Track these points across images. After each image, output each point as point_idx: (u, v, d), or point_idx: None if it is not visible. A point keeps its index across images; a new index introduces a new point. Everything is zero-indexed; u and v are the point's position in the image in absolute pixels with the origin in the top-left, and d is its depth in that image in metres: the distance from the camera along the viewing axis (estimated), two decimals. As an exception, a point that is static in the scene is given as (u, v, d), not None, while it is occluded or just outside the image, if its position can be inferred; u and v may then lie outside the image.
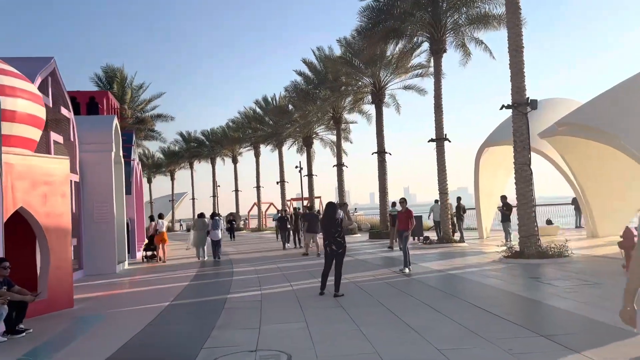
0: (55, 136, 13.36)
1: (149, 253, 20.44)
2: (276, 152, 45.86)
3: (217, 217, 19.98)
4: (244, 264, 16.88)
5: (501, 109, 14.59)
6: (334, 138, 39.67)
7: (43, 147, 12.43)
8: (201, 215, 20.04)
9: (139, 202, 24.91)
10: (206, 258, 19.10)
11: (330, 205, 9.69)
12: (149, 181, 76.60)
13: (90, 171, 16.03)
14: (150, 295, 11.31)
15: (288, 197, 46.76)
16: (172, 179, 73.82)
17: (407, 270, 12.32)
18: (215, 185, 62.24)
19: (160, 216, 21.81)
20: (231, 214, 29.86)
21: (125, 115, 29.59)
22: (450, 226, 20.28)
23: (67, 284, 10.01)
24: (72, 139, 14.95)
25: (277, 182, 45.29)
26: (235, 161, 56.86)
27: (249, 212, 56.60)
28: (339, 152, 32.14)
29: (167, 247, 21.55)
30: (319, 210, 26.39)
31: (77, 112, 17.78)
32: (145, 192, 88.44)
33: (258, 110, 45.90)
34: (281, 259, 17.52)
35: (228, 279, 13.49)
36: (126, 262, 17.94)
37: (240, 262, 17.64)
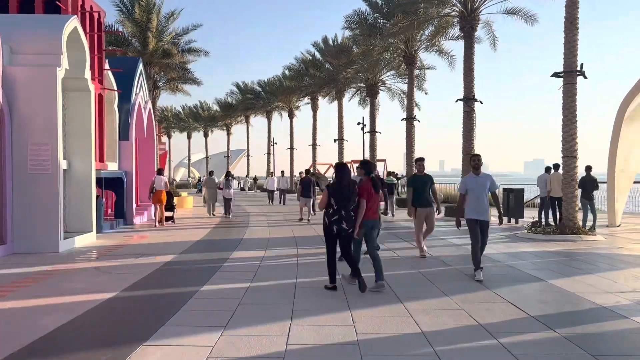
0: None
1: (167, 214, 16.89)
2: (335, 104, 39.45)
3: (230, 177, 20.67)
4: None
5: None
6: (403, 87, 32.67)
7: None
8: (211, 174, 22.10)
9: (147, 151, 19.44)
10: (215, 214, 20.03)
11: (342, 168, 7.22)
12: (206, 135, 72.59)
13: (22, 95, 10.41)
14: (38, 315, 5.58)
15: (347, 157, 40.46)
16: (228, 133, 69.29)
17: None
18: (270, 141, 56.87)
19: (160, 172, 16.28)
20: (313, 173, 24.35)
21: (148, 43, 24.11)
22: (576, 208, 13.33)
23: None
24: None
25: (335, 140, 38.99)
26: (291, 115, 50.93)
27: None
28: (409, 102, 25.26)
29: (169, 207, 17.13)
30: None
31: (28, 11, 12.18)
32: (198, 147, 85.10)
33: (317, 54, 39.29)
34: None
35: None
36: (92, 234, 12.46)
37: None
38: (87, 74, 12.12)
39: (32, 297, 6.75)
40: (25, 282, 7.66)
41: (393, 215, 19.10)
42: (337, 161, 32.61)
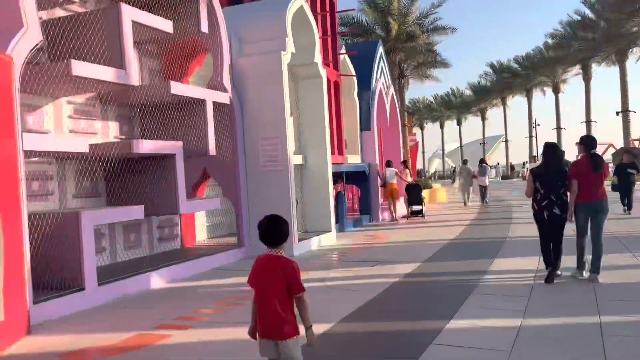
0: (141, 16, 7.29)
1: (415, 208, 15.54)
2: (615, 70, 32.34)
3: (484, 164, 19.84)
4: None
5: None
6: None
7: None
8: (465, 162, 20.98)
9: (392, 142, 17.94)
10: (469, 203, 19.22)
11: (550, 148, 6.57)
12: (459, 123, 69.43)
13: (250, 87, 9.69)
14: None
15: (635, 134, 32.87)
16: (483, 119, 65.02)
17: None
18: (531, 123, 50.81)
19: (388, 163, 14.51)
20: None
21: (391, 28, 22.73)
22: None
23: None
24: (209, 30, 8.77)
25: (618, 113, 31.99)
26: (556, 90, 44.47)
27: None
28: None
29: (399, 202, 15.61)
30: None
31: None
32: (453, 136, 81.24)
33: (587, 12, 32.82)
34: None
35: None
36: (331, 234, 11.29)
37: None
38: (317, 58, 10.97)
39: (223, 323, 5.47)
40: (232, 298, 6.55)
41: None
42: (618, 140, 26.56)
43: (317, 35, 10.92)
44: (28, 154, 6.17)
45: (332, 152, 12.30)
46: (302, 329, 3.05)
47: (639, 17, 24.12)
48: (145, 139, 8.82)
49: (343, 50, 14.14)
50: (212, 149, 8.64)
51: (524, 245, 9.19)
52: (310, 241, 10.29)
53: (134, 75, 7.04)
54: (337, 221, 12.84)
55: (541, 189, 6.44)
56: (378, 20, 23.59)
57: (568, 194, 6.42)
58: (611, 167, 18.55)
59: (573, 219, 6.41)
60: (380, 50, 16.74)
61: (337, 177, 13.77)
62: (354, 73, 14.53)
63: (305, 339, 3.02)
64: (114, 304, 6.39)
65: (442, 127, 73.60)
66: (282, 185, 9.54)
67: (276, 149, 9.55)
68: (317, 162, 11.27)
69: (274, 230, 3.10)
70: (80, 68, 6.27)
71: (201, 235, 10.82)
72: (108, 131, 8.45)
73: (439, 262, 8.21)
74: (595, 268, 6.29)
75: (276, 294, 3.00)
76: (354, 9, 14.82)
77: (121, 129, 8.74)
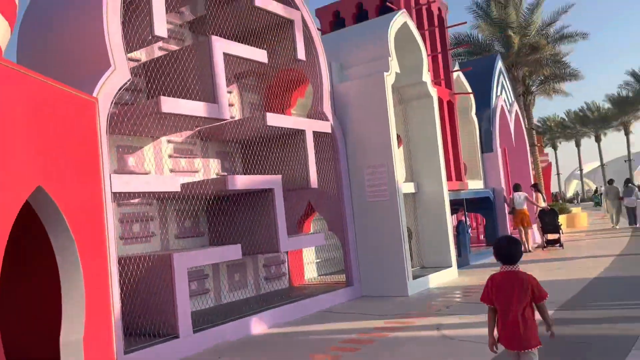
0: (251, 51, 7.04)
1: (551, 237, 13.57)
2: None
3: (630, 184, 18.85)
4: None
5: None
6: None
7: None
8: (610, 182, 20.00)
9: (520, 164, 16.18)
10: (618, 226, 18.07)
11: None
12: (598, 139, 62.88)
13: (354, 112, 9.05)
14: None
15: None
16: (627, 133, 58.35)
17: None
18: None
19: (516, 187, 12.96)
20: None
21: (511, 42, 20.98)
22: None
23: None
24: (306, 57, 8.36)
25: None
26: None
27: None
28: None
29: (532, 230, 13.79)
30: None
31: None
32: (591, 155, 73.13)
33: None
34: None
35: None
36: (452, 269, 10.08)
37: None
38: (426, 77, 10.07)
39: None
40: (341, 348, 5.73)
41: None
42: None
43: (424, 52, 10.05)
44: (124, 195, 6.05)
45: (449, 178, 11.19)
46: None
47: None
48: (246, 174, 8.55)
49: (456, 67, 13.05)
50: (313, 181, 8.10)
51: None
52: (427, 278, 9.21)
53: (226, 108, 6.74)
54: (459, 254, 11.60)
55: None
56: (496, 35, 22.00)
57: None
58: None
59: None
60: (500, 64, 15.34)
61: (458, 205, 12.55)
62: (470, 91, 13.34)
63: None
64: (209, 353, 5.93)
65: (577, 145, 67.25)
66: (390, 216, 8.66)
67: (383, 177, 8.74)
68: (432, 189, 10.23)
69: (513, 249, 3.53)
70: (169, 104, 6.06)
71: (310, 272, 10.25)
72: (209, 169, 8.28)
73: (585, 306, 6.73)
74: None
75: (522, 305, 3.30)
76: (465, 22, 13.68)
77: (223, 165, 8.54)
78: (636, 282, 8.05)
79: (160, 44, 7.66)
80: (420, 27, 10.95)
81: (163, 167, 7.51)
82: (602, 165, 64.02)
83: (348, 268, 8.84)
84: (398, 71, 9.15)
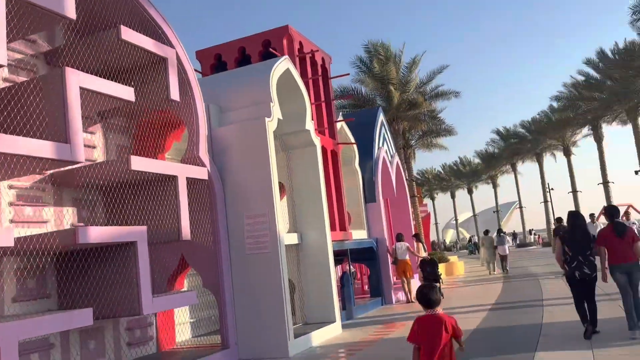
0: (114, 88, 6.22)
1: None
2: (628, 128, 31.29)
3: (502, 234, 21.36)
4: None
5: None
6: None
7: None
8: (486, 232, 21.58)
9: (401, 214, 16.52)
10: (495, 272, 19.80)
11: (575, 216, 7.39)
12: (470, 191, 67.97)
13: (232, 158, 8.50)
14: None
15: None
16: (494, 186, 63.49)
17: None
18: (545, 187, 49.27)
19: (399, 237, 13.15)
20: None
21: (392, 97, 21.95)
22: None
23: None
24: (180, 97, 7.70)
25: (637, 172, 30.59)
26: (567, 153, 43.23)
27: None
28: None
29: (413, 280, 13.48)
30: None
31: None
32: (465, 206, 79.37)
33: (591, 72, 32.27)
34: None
35: None
36: (335, 325, 9.63)
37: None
38: (309, 125, 9.86)
39: None
40: None
41: None
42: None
43: (307, 100, 9.88)
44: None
45: (333, 228, 10.92)
46: None
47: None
48: (109, 224, 7.56)
49: (340, 117, 13.12)
50: (185, 232, 7.31)
51: (568, 334, 7.52)
52: (310, 337, 8.65)
53: (81, 149, 5.85)
54: (343, 307, 11.25)
55: (569, 252, 7.11)
56: (378, 89, 22.94)
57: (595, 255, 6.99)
58: None
59: (608, 280, 7.00)
60: (381, 117, 15.77)
61: (342, 255, 12.30)
62: (353, 141, 13.43)
63: None
64: None
65: (453, 197, 72.10)
66: (271, 270, 8.08)
67: (264, 227, 8.19)
68: (316, 240, 9.85)
69: (432, 295, 4.03)
70: (5, 143, 5.09)
71: (183, 334, 9.23)
72: (62, 218, 7.18)
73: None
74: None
75: (444, 343, 3.82)
76: (348, 74, 13.94)
77: (80, 214, 7.48)
78: (506, 336, 8.14)
79: (5, 74, 6.63)
80: (304, 75, 10.83)
81: (0, 216, 6.33)
82: (475, 215, 68.93)
83: (224, 328, 8.03)
84: (280, 117, 8.83)
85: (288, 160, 10.07)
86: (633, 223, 15.94)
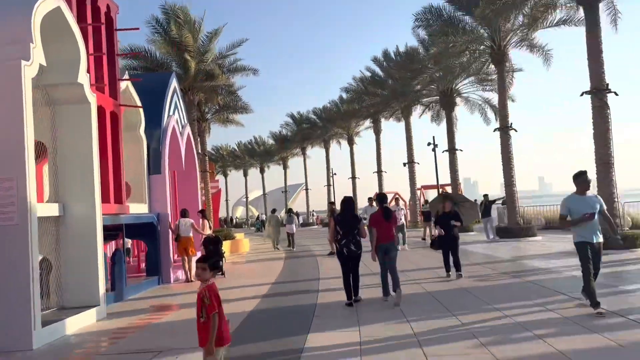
0: None
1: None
2: (402, 124, 35.12)
3: (292, 214, 22.45)
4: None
5: None
6: (486, 95, 28.04)
7: None
8: (274, 211, 23.15)
9: (189, 189, 15.72)
10: (278, 248, 20.89)
11: (348, 202, 8.49)
12: (262, 171, 69.63)
13: (-29, 107, 6.75)
14: None
15: (420, 183, 35.82)
16: (285, 167, 66.07)
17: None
18: (329, 172, 52.96)
19: (183, 213, 12.57)
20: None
21: (189, 66, 20.75)
22: None
23: None
24: None
25: (405, 164, 34.48)
26: (351, 142, 47.04)
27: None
28: (502, 109, 20.50)
29: (194, 258, 12.49)
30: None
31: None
32: (256, 184, 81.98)
33: (377, 70, 35.31)
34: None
35: None
36: (94, 310, 8.51)
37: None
38: (83, 78, 8.42)
39: None
40: None
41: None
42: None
43: (82, 49, 8.41)
44: None
45: (107, 200, 9.68)
46: None
47: (420, 76, 26.26)
48: None
49: (126, 76, 11.70)
50: None
51: (341, 312, 7.75)
52: (64, 323, 7.42)
53: None
54: (113, 288, 10.11)
55: (341, 232, 8.22)
56: (173, 55, 21.47)
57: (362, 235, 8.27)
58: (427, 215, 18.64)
59: (376, 258, 8.24)
60: (175, 83, 14.64)
61: (117, 231, 11.05)
62: (139, 105, 12.13)
63: None
64: None
65: (245, 175, 73.09)
66: (17, 246, 6.66)
67: (9, 195, 6.69)
68: (82, 212, 8.52)
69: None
70: None
71: None
72: None
73: (238, 346, 6.20)
74: (396, 287, 7.93)
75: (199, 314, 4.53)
76: (138, 29, 12.38)
77: None
78: (286, 315, 8.12)
79: None
80: (81, 20, 9.26)
81: None
82: (265, 194, 70.95)
83: (-56, 318, 6.37)
84: (44, 63, 7.31)
85: (53, 116, 8.49)
86: (401, 209, 17.68)
